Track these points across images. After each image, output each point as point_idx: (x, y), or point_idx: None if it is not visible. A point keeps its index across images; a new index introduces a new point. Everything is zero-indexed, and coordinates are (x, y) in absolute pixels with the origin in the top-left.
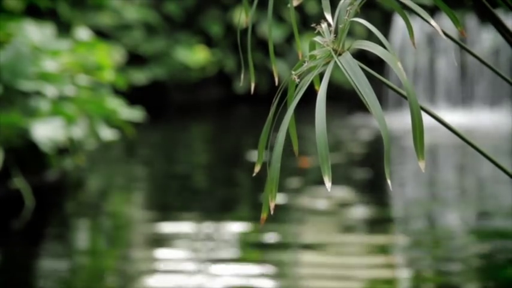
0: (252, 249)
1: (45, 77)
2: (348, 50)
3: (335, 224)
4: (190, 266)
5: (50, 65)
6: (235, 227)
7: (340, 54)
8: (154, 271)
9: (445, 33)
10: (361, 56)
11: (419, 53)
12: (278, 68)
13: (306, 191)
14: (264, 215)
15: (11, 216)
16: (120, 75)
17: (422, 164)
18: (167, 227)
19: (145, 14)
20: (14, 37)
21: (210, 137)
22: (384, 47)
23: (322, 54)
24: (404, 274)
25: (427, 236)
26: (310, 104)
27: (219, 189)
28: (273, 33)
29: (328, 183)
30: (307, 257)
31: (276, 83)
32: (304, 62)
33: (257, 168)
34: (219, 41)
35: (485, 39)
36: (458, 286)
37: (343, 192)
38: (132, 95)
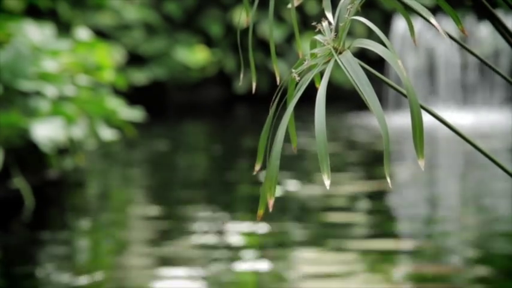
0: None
1: (45, 77)
2: (348, 48)
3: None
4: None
5: (50, 65)
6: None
7: (340, 53)
8: (154, 270)
9: (445, 32)
10: (362, 55)
11: (420, 53)
12: (279, 67)
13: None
14: (260, 212)
15: (11, 216)
16: (120, 75)
17: (422, 163)
18: (167, 226)
19: (145, 14)
20: (14, 37)
21: (209, 137)
22: (385, 45)
23: (322, 53)
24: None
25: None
26: (311, 103)
27: (218, 191)
28: (273, 33)
29: (327, 182)
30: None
31: (278, 83)
32: (305, 60)
33: (257, 167)
34: (219, 41)
35: (485, 39)
36: None
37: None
38: (132, 95)
